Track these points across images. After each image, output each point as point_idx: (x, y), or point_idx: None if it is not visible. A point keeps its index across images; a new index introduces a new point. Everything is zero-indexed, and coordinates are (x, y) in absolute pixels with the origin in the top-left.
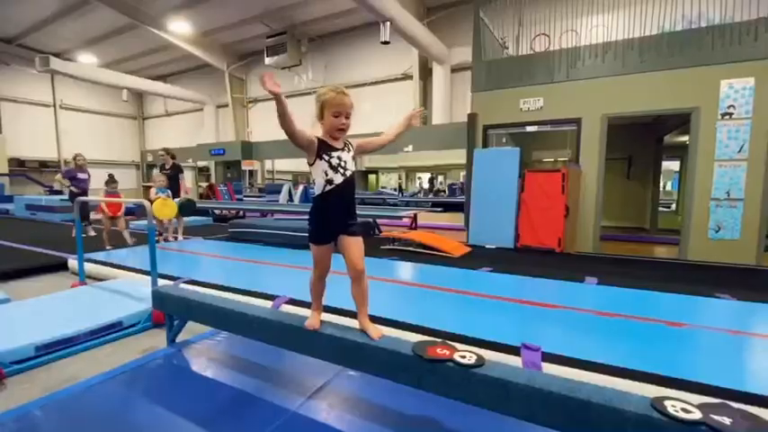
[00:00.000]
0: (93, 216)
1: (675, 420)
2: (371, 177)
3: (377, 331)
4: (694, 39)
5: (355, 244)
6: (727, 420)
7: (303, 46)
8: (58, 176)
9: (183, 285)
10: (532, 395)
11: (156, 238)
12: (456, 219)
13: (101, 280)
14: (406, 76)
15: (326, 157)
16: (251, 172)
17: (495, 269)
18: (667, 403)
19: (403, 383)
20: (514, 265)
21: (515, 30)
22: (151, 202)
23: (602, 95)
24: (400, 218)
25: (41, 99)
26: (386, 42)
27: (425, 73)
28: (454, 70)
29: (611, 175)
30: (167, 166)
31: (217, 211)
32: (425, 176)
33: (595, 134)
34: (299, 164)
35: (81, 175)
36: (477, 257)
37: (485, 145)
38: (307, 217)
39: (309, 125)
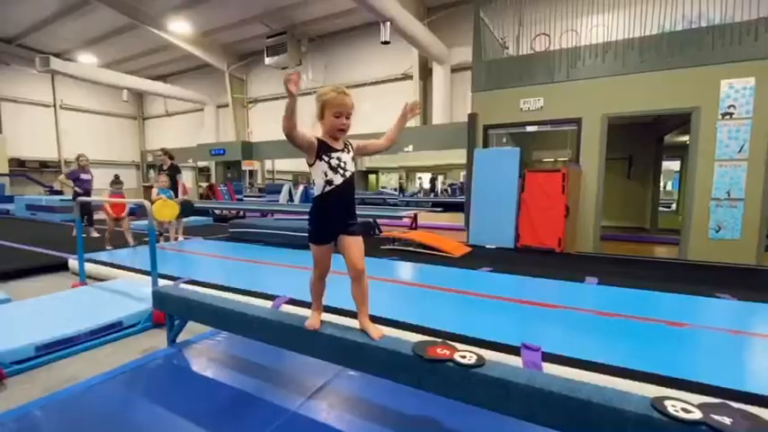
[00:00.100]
0: (99, 216)
1: (676, 420)
2: (371, 177)
3: (377, 331)
4: (694, 39)
5: (355, 244)
6: (727, 420)
7: (303, 46)
8: (62, 177)
9: (183, 285)
10: (533, 395)
11: (157, 239)
12: (456, 219)
13: (101, 280)
14: (406, 76)
15: (326, 158)
16: (251, 172)
17: (495, 269)
18: (667, 403)
19: (403, 383)
20: (515, 265)
21: (515, 30)
22: (152, 202)
23: (603, 95)
24: (400, 218)
25: (42, 99)
26: (386, 42)
27: (425, 73)
28: (454, 70)
29: (611, 175)
30: (165, 167)
31: (217, 212)
32: (426, 176)
33: (596, 134)
34: (299, 164)
35: (84, 176)
36: (478, 257)
37: (485, 145)
38: (307, 217)
39: (309, 125)
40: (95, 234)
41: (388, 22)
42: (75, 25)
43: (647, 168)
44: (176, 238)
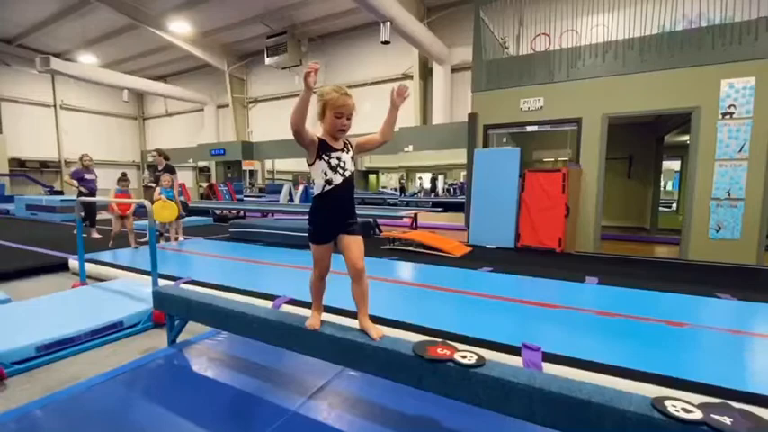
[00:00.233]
0: (102, 216)
1: (676, 420)
2: (371, 177)
3: (377, 331)
4: (695, 38)
5: (355, 243)
6: (727, 420)
7: (303, 46)
8: (66, 178)
9: (183, 285)
10: (533, 395)
11: (157, 239)
12: (456, 219)
13: (101, 280)
14: (407, 76)
15: (326, 158)
16: (251, 172)
17: (495, 269)
18: (668, 403)
19: (403, 383)
20: (515, 264)
21: (516, 29)
22: (153, 202)
23: (603, 95)
24: (400, 218)
25: (42, 99)
26: (386, 42)
27: (426, 73)
28: (454, 70)
29: (611, 175)
30: (160, 167)
31: (217, 212)
32: (426, 176)
33: (596, 134)
34: (300, 164)
35: (88, 176)
36: (478, 257)
37: (485, 145)
38: (307, 217)
39: (310, 124)
40: (96, 235)
41: (389, 22)
42: (76, 25)
43: (647, 168)
44: (177, 239)
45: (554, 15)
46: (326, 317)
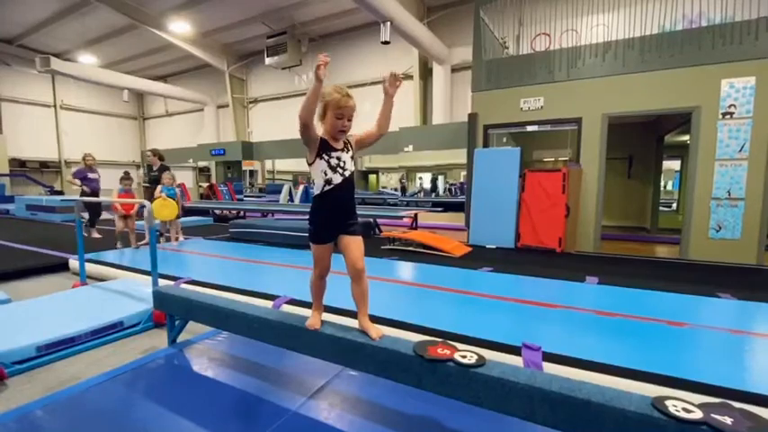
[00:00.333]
0: (102, 216)
1: (676, 420)
2: (371, 177)
3: (377, 331)
4: (695, 38)
5: (355, 243)
6: (728, 420)
7: (303, 46)
8: (69, 177)
9: (183, 285)
10: (533, 395)
11: (158, 239)
12: (456, 219)
13: (102, 280)
14: (407, 76)
15: (326, 157)
16: (251, 172)
17: (495, 269)
18: (668, 403)
19: (403, 383)
20: (515, 264)
21: (516, 29)
22: (152, 201)
23: (603, 95)
24: (400, 218)
25: (42, 99)
26: (386, 42)
27: (426, 73)
28: (454, 70)
29: (611, 175)
30: (154, 168)
31: (217, 211)
32: (426, 176)
33: (596, 134)
34: (300, 164)
35: (91, 175)
36: (478, 257)
37: (485, 145)
38: (306, 217)
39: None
40: (96, 235)
41: (388, 22)
42: (76, 25)
43: (647, 168)
44: (177, 239)
45: (554, 15)
46: (327, 317)
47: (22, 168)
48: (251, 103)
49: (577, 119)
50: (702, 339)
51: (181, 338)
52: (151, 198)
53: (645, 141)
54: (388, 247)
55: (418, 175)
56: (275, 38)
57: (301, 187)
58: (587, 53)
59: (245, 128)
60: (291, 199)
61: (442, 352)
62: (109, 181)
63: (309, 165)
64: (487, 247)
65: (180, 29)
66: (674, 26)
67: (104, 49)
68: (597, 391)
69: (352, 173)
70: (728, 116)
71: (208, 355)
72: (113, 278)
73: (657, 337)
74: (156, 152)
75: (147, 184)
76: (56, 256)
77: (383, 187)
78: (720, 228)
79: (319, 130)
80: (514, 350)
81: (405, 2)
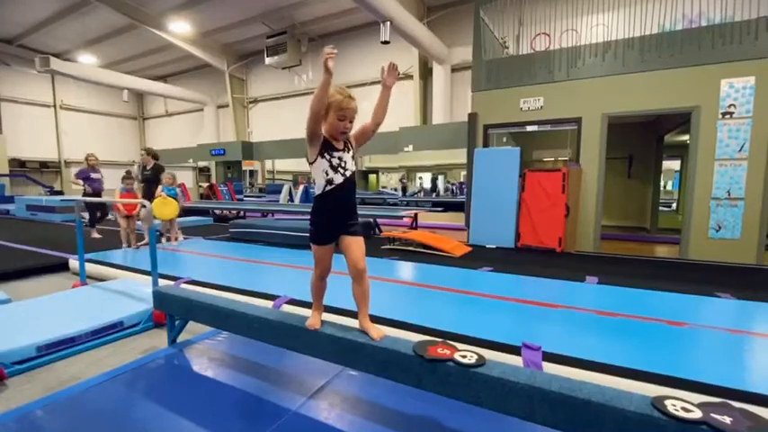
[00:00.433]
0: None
1: (676, 420)
2: (371, 177)
3: (377, 332)
4: (695, 38)
5: (356, 243)
6: (727, 419)
7: (303, 46)
8: (72, 178)
9: (183, 285)
10: (533, 395)
11: (158, 239)
12: (456, 218)
13: (102, 280)
14: (407, 76)
15: (328, 156)
16: (251, 172)
17: (495, 269)
18: (668, 402)
19: (404, 383)
20: (515, 264)
21: (516, 29)
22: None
23: (603, 95)
24: (400, 218)
25: (42, 99)
26: (386, 42)
27: (426, 73)
28: (454, 70)
29: (611, 175)
30: (148, 167)
31: (217, 212)
32: (426, 176)
33: (596, 133)
34: (299, 164)
35: (94, 175)
36: (478, 257)
37: (485, 144)
38: (307, 217)
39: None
40: (96, 235)
41: (388, 22)
42: (75, 25)
43: (647, 168)
44: (176, 239)
45: (554, 15)
46: (327, 317)
47: (21, 168)
48: (251, 102)
49: (577, 119)
50: (702, 339)
51: (181, 338)
52: (144, 197)
53: (645, 141)
54: (387, 246)
55: (418, 174)
56: (275, 38)
57: (301, 187)
58: (587, 53)
59: (245, 128)
60: (291, 199)
61: (442, 352)
62: (109, 181)
63: (310, 164)
64: (487, 246)
65: (180, 29)
66: (673, 26)
67: (104, 49)
68: (597, 390)
69: (354, 173)
70: (728, 116)
71: (208, 355)
72: (113, 278)
73: (657, 336)
74: (149, 151)
75: (141, 183)
76: (56, 256)
77: (383, 187)
78: (720, 227)
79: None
80: (514, 350)
81: (404, 1)
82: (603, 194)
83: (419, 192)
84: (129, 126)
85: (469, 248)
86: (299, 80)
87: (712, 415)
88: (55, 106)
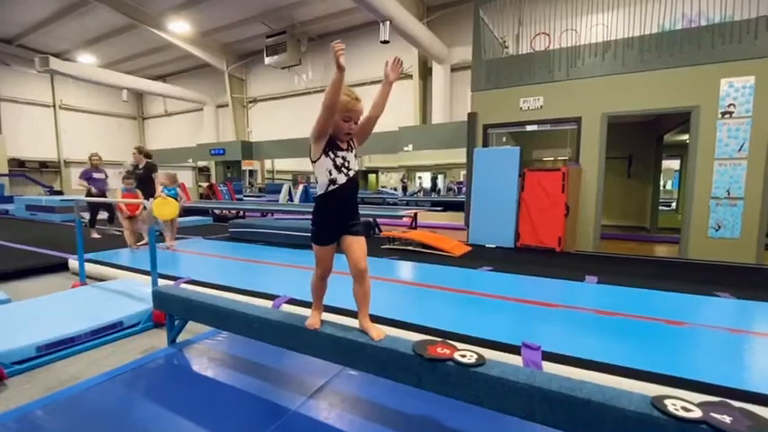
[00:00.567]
0: (100, 216)
1: (676, 419)
2: (371, 177)
3: (378, 332)
4: (694, 37)
5: (357, 243)
6: (727, 419)
7: (303, 46)
8: (79, 180)
9: (183, 285)
10: (533, 394)
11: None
12: (456, 218)
13: (101, 280)
14: (406, 76)
15: (332, 155)
16: (251, 172)
17: (495, 268)
18: (668, 402)
19: (403, 383)
20: (514, 264)
21: (515, 29)
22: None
23: (603, 94)
24: (400, 217)
25: (41, 99)
26: (385, 42)
27: (425, 72)
28: (454, 69)
29: (611, 174)
30: (140, 166)
31: (217, 211)
32: (426, 176)
33: (595, 133)
34: (299, 163)
35: (97, 175)
36: (478, 257)
37: (485, 144)
38: (306, 217)
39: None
40: (95, 235)
41: (388, 22)
42: (75, 25)
43: (646, 167)
44: (171, 246)
45: (554, 14)
46: (327, 316)
47: (21, 168)
48: (250, 102)
49: (577, 118)
50: (702, 339)
51: (180, 338)
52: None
53: (644, 141)
54: (387, 246)
55: (418, 174)
56: (275, 37)
57: (301, 187)
58: (587, 53)
59: (245, 127)
60: (291, 199)
61: (442, 351)
62: (109, 181)
63: (313, 162)
64: (487, 246)
65: (179, 28)
66: (673, 25)
67: (103, 48)
68: (596, 390)
69: (357, 173)
70: (728, 115)
71: (207, 355)
72: (113, 278)
73: (657, 336)
74: (141, 149)
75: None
76: (55, 256)
77: (383, 187)
78: (720, 227)
79: None
80: (514, 349)
81: (404, 1)
82: (603, 194)
83: (419, 191)
84: (128, 126)
85: (469, 248)
86: (299, 80)
87: (712, 414)
88: (54, 106)
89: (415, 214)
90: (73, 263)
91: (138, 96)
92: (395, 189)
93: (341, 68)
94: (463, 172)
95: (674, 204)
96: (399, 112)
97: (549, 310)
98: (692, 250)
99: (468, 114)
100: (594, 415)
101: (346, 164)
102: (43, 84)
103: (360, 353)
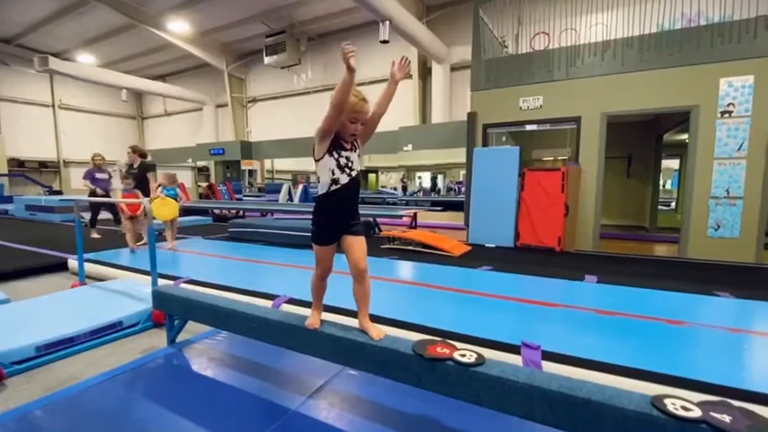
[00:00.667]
0: (100, 216)
1: (676, 418)
2: (371, 177)
3: (378, 332)
4: (693, 37)
5: (357, 243)
6: (727, 418)
7: (302, 45)
8: (84, 181)
9: (183, 285)
10: (532, 394)
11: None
12: (455, 218)
13: (101, 280)
14: (406, 75)
15: (336, 155)
16: (250, 171)
17: (494, 268)
18: (667, 401)
19: (403, 382)
20: (514, 263)
21: (515, 28)
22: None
23: (602, 94)
24: (400, 217)
25: (40, 99)
26: (385, 41)
27: (425, 72)
28: (454, 69)
29: (610, 174)
30: (135, 165)
31: (216, 211)
32: (426, 175)
33: (595, 132)
34: (299, 163)
35: (99, 175)
36: (477, 256)
37: (484, 144)
38: (306, 216)
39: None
40: (95, 235)
41: (387, 21)
42: (74, 25)
43: (646, 167)
44: (172, 248)
45: (553, 14)
46: (327, 316)
47: (20, 168)
48: (250, 102)
49: (576, 118)
50: (701, 338)
51: (180, 338)
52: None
53: (644, 140)
54: (387, 246)
55: (417, 174)
56: (274, 37)
57: (300, 187)
58: (586, 52)
59: (244, 127)
60: (291, 198)
61: (442, 351)
62: (112, 181)
63: (317, 161)
64: (487, 246)
65: (179, 28)
66: (672, 25)
67: (103, 48)
68: (596, 389)
69: (359, 173)
70: (727, 115)
71: (207, 355)
72: (113, 278)
73: (656, 335)
74: (136, 149)
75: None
76: (55, 256)
77: (382, 186)
78: (719, 226)
79: None
80: (514, 349)
81: (404, 1)
82: (603, 193)
83: (419, 191)
84: (128, 126)
85: (469, 248)
86: (299, 79)
87: (712, 414)
88: (54, 106)
89: (415, 214)
90: (72, 263)
91: (138, 96)
92: (395, 189)
93: (351, 70)
94: (463, 172)
95: (673, 204)
96: (399, 111)
97: (548, 310)
98: (692, 250)
99: (468, 114)
100: (594, 414)
101: (350, 164)
102: (42, 83)
103: (360, 352)
